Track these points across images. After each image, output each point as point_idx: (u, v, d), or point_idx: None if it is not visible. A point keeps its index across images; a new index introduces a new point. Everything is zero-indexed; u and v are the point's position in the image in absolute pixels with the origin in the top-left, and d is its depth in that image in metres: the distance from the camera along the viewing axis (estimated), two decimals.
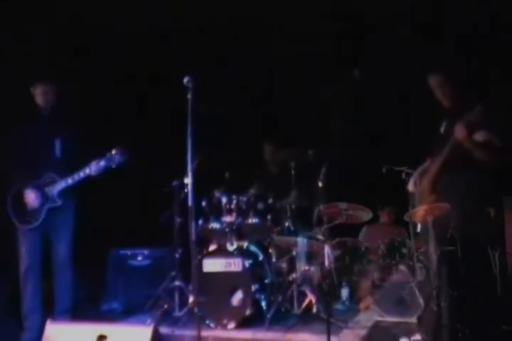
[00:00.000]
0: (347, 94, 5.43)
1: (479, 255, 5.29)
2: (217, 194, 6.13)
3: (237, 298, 5.69)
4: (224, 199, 6.09)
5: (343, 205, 5.98)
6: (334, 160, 5.69)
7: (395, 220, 7.52)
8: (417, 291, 5.71)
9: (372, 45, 7.41)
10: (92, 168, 5.53)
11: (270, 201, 6.24)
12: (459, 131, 4.96)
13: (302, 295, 5.98)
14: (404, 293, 5.78)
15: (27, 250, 5.60)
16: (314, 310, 5.85)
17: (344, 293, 6.43)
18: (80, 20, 7.29)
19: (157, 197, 6.37)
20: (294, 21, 7.45)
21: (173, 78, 4.94)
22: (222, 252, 5.91)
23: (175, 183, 6.15)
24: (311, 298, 5.90)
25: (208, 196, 6.16)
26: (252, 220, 6.11)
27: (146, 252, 6.90)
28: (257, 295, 5.74)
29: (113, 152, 5.55)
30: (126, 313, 6.36)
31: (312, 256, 6.23)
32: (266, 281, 5.94)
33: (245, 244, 6.12)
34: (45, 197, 5.59)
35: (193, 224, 4.71)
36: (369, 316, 5.97)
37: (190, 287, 5.88)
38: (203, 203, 6.14)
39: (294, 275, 6.07)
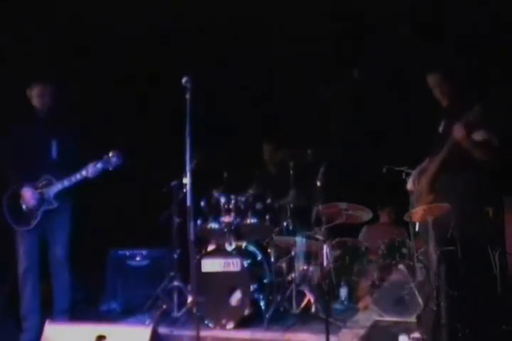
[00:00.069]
0: (347, 94, 5.41)
1: (479, 255, 5.30)
2: (215, 194, 6.14)
3: (236, 297, 5.69)
4: (222, 199, 6.09)
5: (343, 205, 5.98)
6: (333, 160, 5.68)
7: (395, 220, 7.52)
8: (416, 291, 5.71)
9: (372, 45, 7.41)
10: (89, 170, 5.51)
11: (269, 201, 6.24)
12: (458, 131, 4.97)
13: (301, 295, 5.98)
14: (403, 292, 5.77)
15: (25, 251, 5.59)
16: (313, 309, 5.85)
17: (343, 292, 6.43)
18: (80, 20, 7.29)
19: (156, 197, 6.38)
20: (294, 21, 7.45)
21: (172, 78, 4.94)
22: (220, 252, 5.90)
23: (173, 183, 6.14)
24: (309, 297, 5.91)
25: (206, 196, 6.16)
26: (251, 220, 6.10)
27: (144, 252, 6.89)
28: (256, 295, 5.74)
29: (110, 154, 5.53)
30: (125, 313, 6.35)
31: (311, 256, 6.24)
32: (264, 281, 5.93)
33: (244, 244, 6.11)
34: (41, 199, 5.56)
35: (191, 224, 4.71)
36: (368, 316, 5.96)
37: (189, 287, 5.87)
38: (202, 203, 6.14)
39: (292, 275, 6.08)
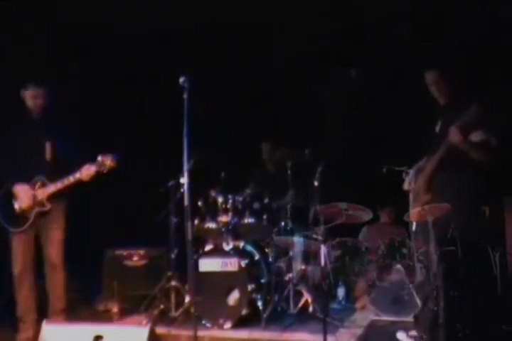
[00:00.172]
0: (344, 93, 5.42)
1: (479, 255, 5.29)
2: (213, 193, 6.13)
3: (234, 297, 5.69)
4: (220, 199, 6.09)
5: (343, 205, 6.00)
6: (331, 160, 5.68)
7: (395, 220, 7.51)
8: (413, 290, 5.72)
9: (372, 45, 7.40)
10: (83, 173, 5.47)
11: (266, 201, 6.26)
12: (454, 135, 4.95)
13: (298, 295, 5.99)
14: (400, 292, 5.79)
15: (19, 252, 5.56)
16: (310, 309, 5.88)
17: (340, 292, 6.45)
18: (80, 20, 7.28)
19: (153, 197, 6.38)
20: (294, 21, 7.45)
21: (172, 78, 4.94)
22: (218, 252, 5.90)
23: (171, 183, 6.15)
24: (307, 297, 5.91)
25: (204, 196, 6.16)
26: (248, 220, 6.11)
27: (142, 252, 6.86)
28: (254, 295, 5.73)
29: (104, 157, 5.48)
30: (123, 313, 6.33)
31: (309, 256, 6.24)
32: (262, 281, 5.94)
33: (241, 244, 6.11)
34: (34, 201, 5.52)
35: (189, 224, 4.69)
36: (365, 315, 6.00)
37: (187, 287, 5.92)
38: (199, 203, 6.14)
39: (290, 274, 6.07)
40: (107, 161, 5.47)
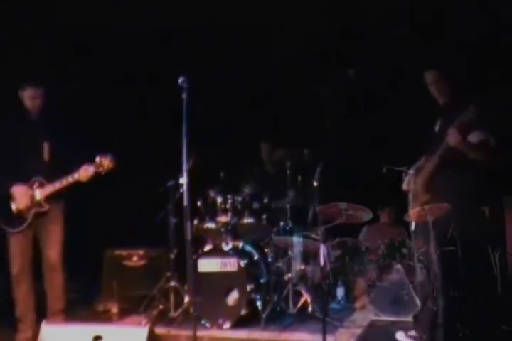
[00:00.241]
0: (344, 93, 5.42)
1: (479, 255, 5.29)
2: (212, 194, 6.13)
3: (233, 297, 5.69)
4: (219, 199, 6.09)
5: (343, 205, 5.98)
6: (331, 160, 5.68)
7: (395, 220, 7.50)
8: (412, 290, 5.71)
9: (372, 45, 7.40)
10: (81, 174, 5.44)
11: (265, 201, 6.26)
12: (452, 136, 4.93)
13: (298, 295, 6.00)
14: (399, 292, 5.78)
15: (17, 253, 5.56)
16: (310, 309, 5.88)
17: (340, 292, 6.45)
18: (80, 20, 7.29)
19: (152, 197, 6.38)
20: (294, 21, 7.45)
21: (172, 78, 4.93)
22: (217, 252, 5.90)
23: (170, 183, 6.15)
24: (306, 297, 5.92)
25: (203, 196, 6.16)
26: (248, 220, 6.11)
27: (141, 252, 6.85)
28: (253, 295, 5.73)
29: (103, 158, 5.45)
30: (122, 314, 6.34)
31: (308, 256, 6.24)
32: (261, 281, 5.94)
33: (240, 244, 6.11)
34: (31, 202, 5.50)
35: (188, 224, 4.69)
36: (365, 315, 5.99)
37: (186, 287, 5.92)
38: (199, 203, 6.14)
39: (289, 274, 6.07)
40: (106, 162, 5.44)
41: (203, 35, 7.59)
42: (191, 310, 4.97)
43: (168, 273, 6.21)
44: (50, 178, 5.53)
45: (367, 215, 6.23)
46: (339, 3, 7.25)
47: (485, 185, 5.19)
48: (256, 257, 6.08)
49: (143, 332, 4.84)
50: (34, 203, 5.52)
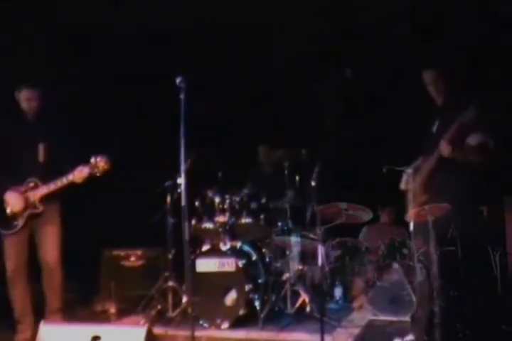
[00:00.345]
0: (339, 93, 5.41)
1: (479, 255, 5.29)
2: (210, 194, 6.13)
3: (231, 297, 5.70)
4: (217, 199, 6.09)
5: (343, 205, 5.99)
6: (329, 160, 5.67)
7: (395, 220, 7.49)
8: (410, 290, 5.71)
9: (372, 45, 7.39)
10: (76, 175, 5.41)
11: (263, 201, 6.24)
12: (444, 148, 4.94)
13: (296, 295, 6.00)
14: (398, 291, 5.78)
15: (12, 254, 5.54)
16: (308, 309, 5.88)
17: (338, 292, 6.45)
18: (80, 20, 7.29)
19: (150, 198, 6.38)
20: (294, 21, 7.44)
21: (172, 78, 4.93)
22: (215, 252, 5.90)
23: (168, 183, 6.15)
24: (304, 297, 5.92)
25: (201, 196, 6.16)
26: (246, 220, 6.11)
27: (139, 252, 6.87)
28: (251, 295, 5.74)
29: (98, 159, 5.42)
30: (120, 314, 6.33)
31: (306, 256, 6.23)
32: (259, 281, 5.94)
33: (239, 244, 6.11)
34: (26, 203, 5.48)
35: (186, 224, 4.69)
36: (363, 315, 6.00)
37: (184, 287, 5.91)
38: (196, 203, 6.14)
39: (287, 274, 6.08)
40: (101, 163, 5.41)
41: (203, 35, 7.58)
42: (189, 310, 4.96)
43: (166, 273, 6.22)
44: (45, 179, 5.51)
45: (367, 215, 6.23)
46: (339, 3, 7.24)
47: (483, 185, 5.18)
48: (254, 257, 6.08)
49: (141, 332, 4.86)
50: (29, 204, 5.50)
